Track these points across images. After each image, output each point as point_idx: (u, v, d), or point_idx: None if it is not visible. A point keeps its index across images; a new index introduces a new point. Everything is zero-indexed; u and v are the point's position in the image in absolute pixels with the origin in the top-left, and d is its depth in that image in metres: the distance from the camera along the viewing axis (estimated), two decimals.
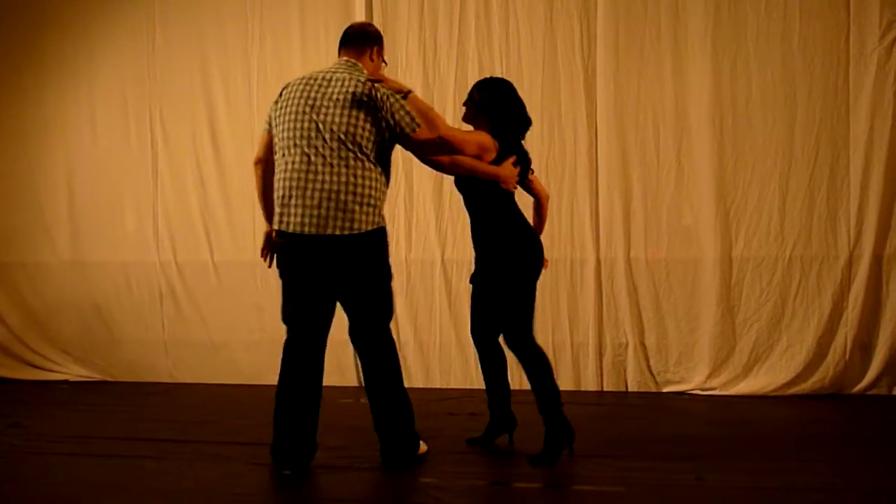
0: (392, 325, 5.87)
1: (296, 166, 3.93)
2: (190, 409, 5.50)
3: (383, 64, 4.29)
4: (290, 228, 3.93)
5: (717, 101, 5.52)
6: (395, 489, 3.76)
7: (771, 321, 5.47)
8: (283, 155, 3.99)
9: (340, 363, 5.99)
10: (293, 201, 3.92)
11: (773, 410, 5.14)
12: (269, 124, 4.14)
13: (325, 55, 5.82)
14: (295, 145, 3.95)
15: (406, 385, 5.83)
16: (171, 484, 3.98)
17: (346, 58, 4.15)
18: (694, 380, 5.58)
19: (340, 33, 5.95)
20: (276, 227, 4.03)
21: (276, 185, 4.03)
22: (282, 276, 4.11)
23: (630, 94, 5.64)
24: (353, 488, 3.87)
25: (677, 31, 5.57)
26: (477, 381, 5.84)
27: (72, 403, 5.79)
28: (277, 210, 4.00)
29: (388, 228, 5.88)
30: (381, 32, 4.32)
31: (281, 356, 4.11)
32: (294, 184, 3.92)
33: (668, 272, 5.62)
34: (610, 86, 5.66)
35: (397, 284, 5.97)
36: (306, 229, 3.90)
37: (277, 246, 4.07)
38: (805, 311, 5.42)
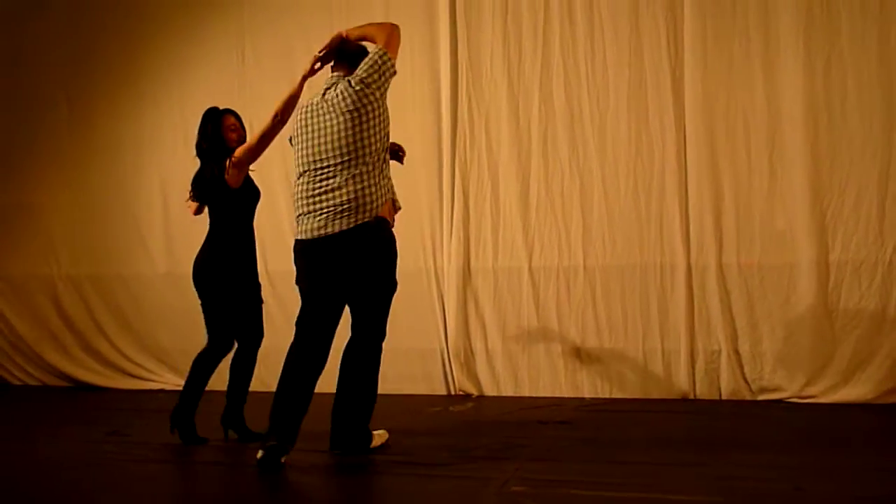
0: (480, 334, 5.98)
1: None
2: None
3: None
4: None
5: (810, 101, 5.38)
6: (485, 497, 3.74)
7: (871, 326, 5.28)
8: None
9: (429, 372, 6.01)
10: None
11: (875, 418, 4.98)
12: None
13: (409, 65, 5.86)
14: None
15: (494, 393, 5.92)
16: (266, 492, 4.03)
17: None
18: (791, 387, 5.43)
19: (426, 42, 6.04)
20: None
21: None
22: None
23: (719, 96, 5.55)
24: (441, 495, 3.87)
25: (768, 31, 5.46)
26: (567, 389, 5.80)
27: (168, 412, 5.89)
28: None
29: (476, 236, 5.98)
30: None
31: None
32: None
33: (762, 277, 5.50)
34: (698, 88, 5.57)
35: (485, 292, 5.98)
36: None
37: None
38: None
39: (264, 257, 6.32)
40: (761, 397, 5.50)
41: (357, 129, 4.22)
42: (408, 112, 5.90)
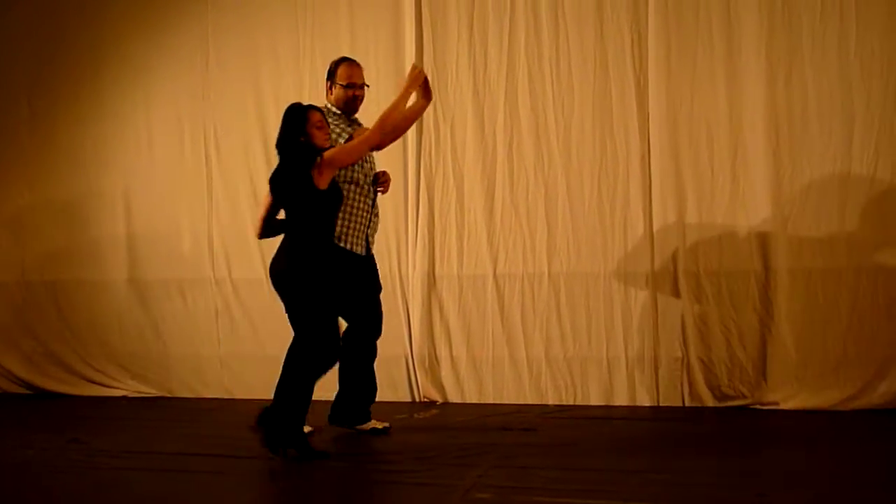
0: (444, 341, 5.98)
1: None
2: (246, 424, 5.52)
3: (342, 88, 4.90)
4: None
5: (772, 110, 5.44)
6: None
7: (833, 334, 5.33)
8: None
9: (393, 379, 5.99)
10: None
11: (837, 425, 5.02)
12: None
13: (374, 71, 5.84)
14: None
15: (458, 400, 5.91)
16: (228, 500, 4.00)
17: None
18: (753, 394, 5.47)
19: (391, 48, 6.05)
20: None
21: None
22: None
23: (683, 105, 5.58)
24: (405, 502, 3.86)
25: (730, 41, 5.50)
26: (531, 396, 5.82)
27: (130, 419, 5.86)
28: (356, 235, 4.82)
29: (440, 242, 5.98)
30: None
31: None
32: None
33: (725, 285, 5.53)
34: (662, 97, 5.61)
35: (450, 299, 5.99)
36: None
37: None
38: (869, 324, 5.28)
39: (264, 264, 6.32)
40: (724, 404, 5.53)
41: None
42: (373, 118, 5.87)
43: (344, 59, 5.01)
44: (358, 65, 4.99)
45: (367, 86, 5.01)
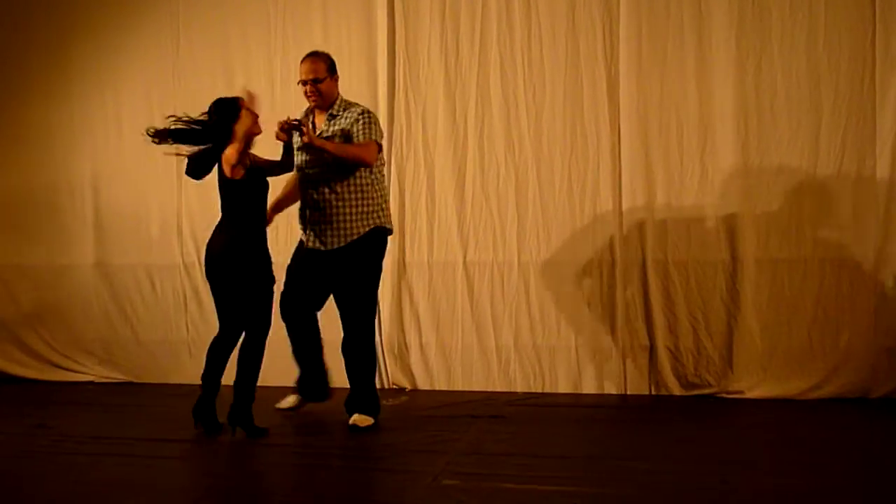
0: (414, 328, 5.99)
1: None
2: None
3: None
4: None
5: (741, 101, 5.48)
6: (417, 491, 3.75)
7: (798, 324, 5.41)
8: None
9: None
10: None
11: (799, 414, 5.10)
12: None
13: (347, 59, 5.83)
14: None
15: (427, 387, 5.93)
16: (194, 485, 3.99)
17: None
18: (719, 383, 5.54)
19: (363, 36, 6.03)
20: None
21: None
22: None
23: (653, 96, 5.62)
24: (372, 489, 3.88)
25: (701, 32, 5.53)
26: (499, 384, 5.84)
27: (97, 404, 5.82)
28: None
29: (411, 230, 5.98)
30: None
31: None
32: None
33: (693, 274, 5.58)
34: (633, 87, 5.63)
35: (420, 286, 5.99)
36: None
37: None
38: (832, 314, 5.36)
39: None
40: (690, 392, 5.59)
41: None
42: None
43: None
44: (309, 59, 4.95)
45: (319, 79, 4.91)
